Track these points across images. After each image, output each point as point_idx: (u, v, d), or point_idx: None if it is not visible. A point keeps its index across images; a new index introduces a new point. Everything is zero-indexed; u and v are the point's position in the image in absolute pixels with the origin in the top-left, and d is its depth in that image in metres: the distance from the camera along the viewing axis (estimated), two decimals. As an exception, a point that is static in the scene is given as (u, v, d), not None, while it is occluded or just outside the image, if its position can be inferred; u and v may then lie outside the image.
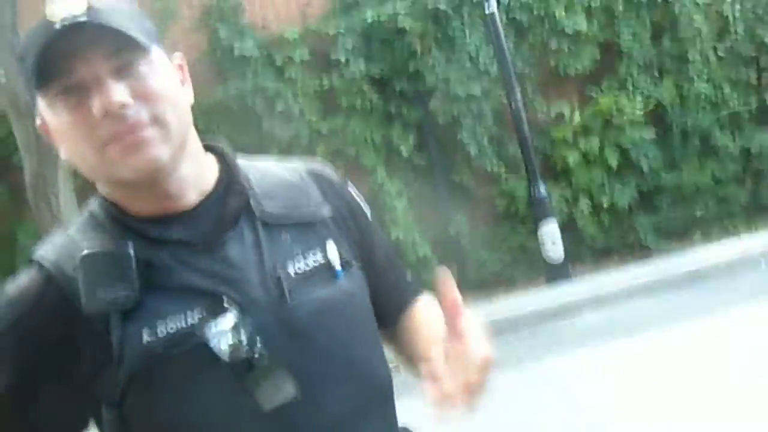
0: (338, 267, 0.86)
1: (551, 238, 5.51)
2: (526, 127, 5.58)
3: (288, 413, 0.78)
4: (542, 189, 5.57)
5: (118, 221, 0.81)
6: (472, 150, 5.97)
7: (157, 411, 0.77)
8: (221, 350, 0.75)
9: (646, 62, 5.93)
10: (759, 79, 6.13)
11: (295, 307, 0.81)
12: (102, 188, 0.83)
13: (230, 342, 0.75)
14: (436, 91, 5.92)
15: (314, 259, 0.85)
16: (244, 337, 0.76)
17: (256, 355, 0.76)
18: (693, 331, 4.08)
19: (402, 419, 0.95)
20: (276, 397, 0.77)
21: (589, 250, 5.94)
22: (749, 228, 5.75)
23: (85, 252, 0.77)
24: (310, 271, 0.84)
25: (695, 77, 5.91)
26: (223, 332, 0.76)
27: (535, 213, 5.63)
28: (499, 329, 4.93)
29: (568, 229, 5.74)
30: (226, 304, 0.77)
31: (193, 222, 0.81)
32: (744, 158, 6.02)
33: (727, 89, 6.02)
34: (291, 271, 0.83)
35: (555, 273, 5.53)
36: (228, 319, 0.76)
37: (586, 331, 4.57)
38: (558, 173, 6.07)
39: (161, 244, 0.79)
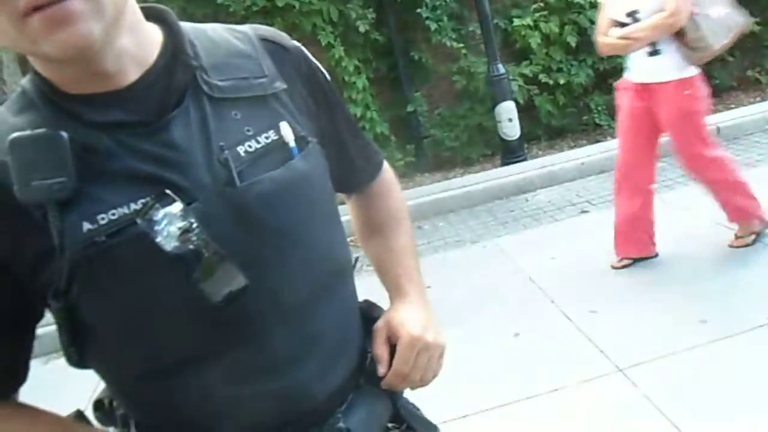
0: (293, 145, 0.80)
1: (508, 116, 5.56)
2: (486, 5, 5.47)
3: (241, 303, 0.74)
4: (501, 68, 5.54)
5: (51, 101, 0.73)
6: (432, 27, 5.85)
7: (101, 303, 0.73)
8: (165, 240, 0.71)
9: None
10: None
11: (245, 190, 0.75)
12: (33, 62, 0.73)
13: (174, 231, 0.71)
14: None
15: (266, 136, 0.79)
16: (190, 225, 0.71)
17: (203, 245, 0.72)
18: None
19: (363, 294, 0.99)
20: (225, 289, 0.73)
21: (545, 129, 6.03)
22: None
23: (15, 135, 0.70)
24: (262, 150, 0.78)
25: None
26: (168, 220, 0.71)
27: (493, 92, 5.63)
28: (455, 207, 5.07)
29: (525, 108, 5.78)
30: (169, 191, 0.72)
31: (134, 101, 0.73)
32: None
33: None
34: (241, 151, 0.77)
35: (511, 152, 5.63)
36: (173, 207, 0.71)
37: (539, 208, 4.73)
38: (517, 52, 6.03)
39: (99, 126, 0.72)
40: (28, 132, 0.71)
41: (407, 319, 0.95)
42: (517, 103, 5.64)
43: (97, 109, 0.72)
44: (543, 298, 3.28)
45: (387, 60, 6.17)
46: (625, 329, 2.84)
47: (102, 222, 0.71)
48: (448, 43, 5.94)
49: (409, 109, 6.15)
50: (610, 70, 5.88)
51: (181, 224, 0.71)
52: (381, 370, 0.92)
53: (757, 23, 5.93)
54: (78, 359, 0.78)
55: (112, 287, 0.72)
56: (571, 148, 5.53)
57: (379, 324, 0.96)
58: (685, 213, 4.02)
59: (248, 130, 0.78)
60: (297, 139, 0.81)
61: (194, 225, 0.72)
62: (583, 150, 5.41)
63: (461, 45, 5.96)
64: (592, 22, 5.66)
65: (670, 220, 3.75)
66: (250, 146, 0.78)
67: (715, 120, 5.52)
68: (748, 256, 3.29)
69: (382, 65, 6.16)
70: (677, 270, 3.30)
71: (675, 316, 2.88)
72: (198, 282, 0.72)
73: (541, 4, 5.80)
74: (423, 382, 0.97)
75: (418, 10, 5.82)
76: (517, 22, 5.80)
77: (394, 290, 1.02)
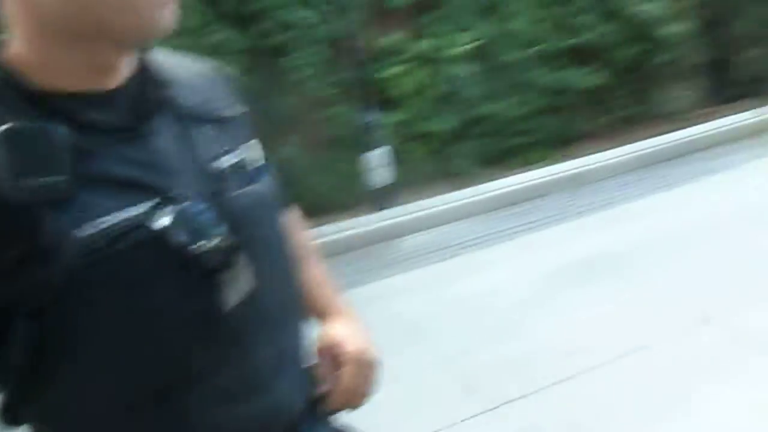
0: (263, 162, 0.86)
1: (379, 163, 5.67)
2: (357, 54, 5.61)
3: (238, 314, 0.74)
4: (372, 115, 5.68)
5: (29, 97, 0.67)
6: (304, 72, 5.91)
7: (93, 318, 0.67)
8: (178, 242, 0.68)
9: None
10: (571, 18, 6.58)
11: (234, 201, 0.77)
12: (21, 47, 0.68)
13: (184, 236, 0.69)
14: (268, 13, 5.74)
15: (240, 153, 0.82)
16: (198, 230, 0.70)
17: (218, 249, 0.71)
18: (507, 252, 4.46)
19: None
20: (236, 295, 0.74)
21: (416, 175, 6.20)
22: (556, 156, 6.29)
23: (7, 126, 0.63)
24: (239, 164, 0.81)
25: (515, 14, 6.24)
26: (176, 224, 0.68)
27: (365, 139, 5.74)
28: (328, 254, 5.05)
29: (396, 155, 5.93)
30: (173, 195, 0.70)
31: (118, 104, 0.72)
32: (554, 91, 6.49)
33: (542, 26, 6.42)
34: (224, 164, 0.79)
35: (382, 198, 5.73)
36: (177, 212, 0.69)
37: (410, 253, 4.82)
38: (388, 100, 6.21)
39: (89, 126, 0.69)
40: (21, 123, 0.64)
41: (348, 334, 0.97)
42: (389, 150, 5.77)
43: (89, 108, 0.69)
44: (418, 341, 3.32)
45: (259, 105, 6.13)
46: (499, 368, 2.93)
47: (103, 226, 0.66)
48: (320, 90, 6.01)
49: (282, 155, 6.12)
50: (475, 118, 6.19)
51: (188, 228, 0.69)
52: (324, 388, 0.93)
53: (603, 78, 6.47)
54: (18, 408, 0.69)
55: (110, 299, 0.67)
56: (440, 193, 5.71)
57: (320, 342, 0.96)
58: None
59: (224, 146, 0.81)
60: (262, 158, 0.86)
61: (202, 229, 0.71)
62: (451, 195, 5.61)
63: (333, 91, 6.05)
64: (457, 73, 5.97)
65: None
66: (229, 161, 0.80)
67: (570, 166, 5.92)
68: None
69: (254, 111, 6.11)
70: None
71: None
72: (219, 285, 0.71)
73: (410, 55, 6.03)
74: (364, 400, 0.98)
75: (290, 55, 5.86)
76: (388, 71, 5.99)
77: (327, 309, 1.03)
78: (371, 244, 5.06)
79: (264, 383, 0.80)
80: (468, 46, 5.89)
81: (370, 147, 5.68)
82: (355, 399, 0.97)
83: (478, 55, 6.04)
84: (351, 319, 1.03)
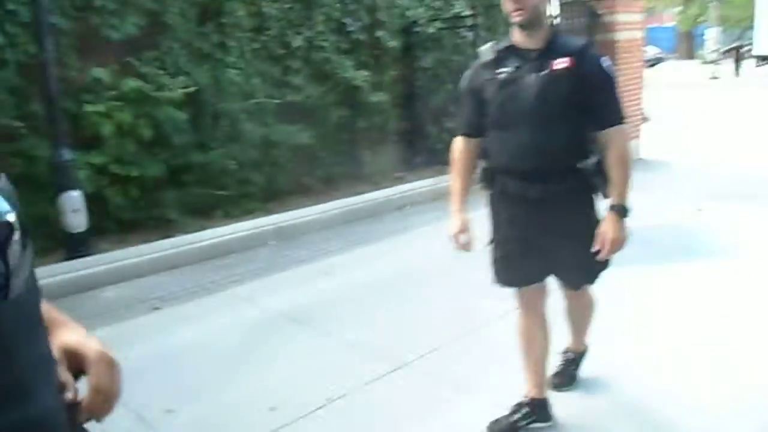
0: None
1: (73, 207, 5.16)
2: (55, 85, 5.09)
3: (11, 309, 0.74)
4: (67, 153, 5.17)
5: None
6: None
7: None
8: None
9: (189, 42, 6.02)
10: (284, 76, 6.82)
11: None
12: None
13: None
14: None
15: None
16: None
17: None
18: (212, 305, 4.33)
19: None
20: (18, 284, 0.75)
21: (116, 222, 5.77)
22: (263, 209, 6.37)
23: None
24: None
25: (231, 65, 6.27)
26: None
27: (58, 179, 5.20)
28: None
29: (93, 199, 5.46)
30: None
31: None
32: (264, 145, 6.61)
33: (256, 81, 6.54)
34: None
35: (76, 245, 5.21)
36: None
37: (108, 305, 4.43)
38: (87, 139, 5.72)
39: None
40: None
41: (83, 338, 0.93)
42: (85, 193, 5.29)
43: None
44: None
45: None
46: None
47: None
48: (6, 122, 5.32)
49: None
50: (183, 165, 6.00)
51: None
52: (70, 395, 0.87)
53: (311, 137, 6.78)
54: None
55: None
56: (142, 242, 5.39)
57: (58, 349, 0.90)
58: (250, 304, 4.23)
59: None
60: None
61: None
62: (154, 245, 5.32)
63: (21, 125, 5.40)
64: (168, 117, 5.74)
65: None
66: None
67: (276, 220, 6.04)
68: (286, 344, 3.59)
69: None
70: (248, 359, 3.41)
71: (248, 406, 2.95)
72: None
73: (115, 93, 5.66)
74: (114, 403, 0.94)
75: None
76: (89, 107, 5.53)
77: (52, 320, 0.96)
78: (66, 295, 4.54)
79: (29, 390, 0.77)
80: (181, 91, 5.73)
81: (64, 188, 5.15)
82: (107, 402, 0.94)
83: (191, 101, 5.91)
84: (76, 327, 0.99)
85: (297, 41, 6.79)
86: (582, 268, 2.55)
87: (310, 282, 4.71)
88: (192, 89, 5.84)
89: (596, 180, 2.40)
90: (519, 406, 2.68)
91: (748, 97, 17.20)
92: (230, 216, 6.15)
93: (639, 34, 8.86)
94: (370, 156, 7.71)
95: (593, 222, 2.43)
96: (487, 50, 2.48)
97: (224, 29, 6.23)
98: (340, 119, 7.25)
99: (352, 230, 6.09)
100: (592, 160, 2.40)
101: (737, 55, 24.98)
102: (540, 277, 2.61)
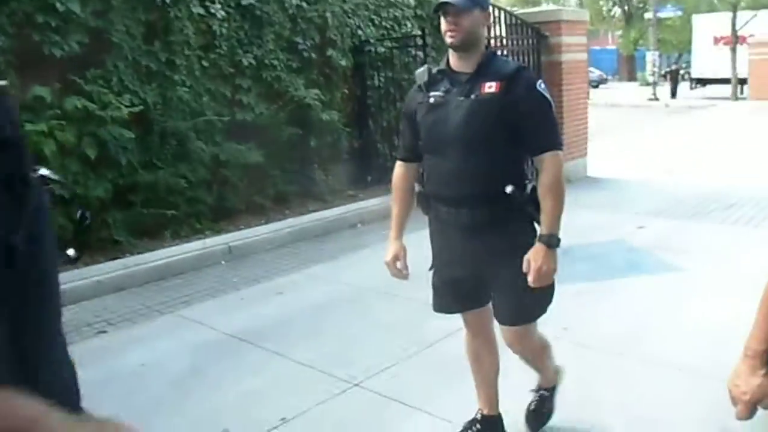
0: None
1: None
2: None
3: None
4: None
5: None
6: None
7: None
8: None
9: (135, 59, 5.92)
10: (233, 94, 6.77)
11: None
12: None
13: None
14: None
15: None
16: None
17: None
18: (161, 327, 4.24)
19: None
20: None
21: (59, 244, 5.60)
22: (214, 229, 6.28)
23: None
24: None
25: (180, 83, 6.19)
26: None
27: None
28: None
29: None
30: None
31: None
32: (214, 164, 6.54)
33: (205, 99, 6.48)
34: None
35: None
36: None
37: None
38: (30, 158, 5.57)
39: None
40: None
41: None
42: (27, 214, 5.14)
43: None
44: None
45: None
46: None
47: None
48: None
49: None
50: (131, 185, 5.88)
51: None
52: None
53: (262, 155, 6.73)
54: None
55: None
56: (87, 265, 5.24)
57: None
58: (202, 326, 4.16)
59: None
60: None
61: None
62: (101, 267, 5.19)
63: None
64: (114, 136, 5.63)
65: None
66: None
67: (227, 239, 5.97)
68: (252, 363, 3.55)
69: None
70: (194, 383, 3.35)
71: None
72: None
73: (58, 111, 5.52)
74: None
75: None
76: (29, 126, 5.38)
77: None
78: None
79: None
80: (127, 110, 5.62)
81: None
82: None
83: (138, 120, 5.81)
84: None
85: (247, 59, 6.77)
86: (516, 299, 2.36)
87: (262, 302, 4.65)
88: (139, 108, 5.74)
89: (528, 207, 2.31)
90: (471, 423, 2.69)
91: (685, 117, 17.85)
92: (179, 236, 6.04)
93: (583, 56, 9.12)
94: (322, 174, 7.70)
95: (529, 246, 2.28)
96: (421, 73, 2.43)
97: (172, 47, 6.16)
98: (291, 138, 7.23)
99: (304, 249, 6.06)
100: (522, 187, 2.31)
101: (674, 77, 25.86)
102: (480, 302, 2.52)
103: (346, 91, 8.08)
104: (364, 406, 3.11)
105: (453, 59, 2.38)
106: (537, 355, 2.66)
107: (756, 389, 1.38)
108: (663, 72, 28.98)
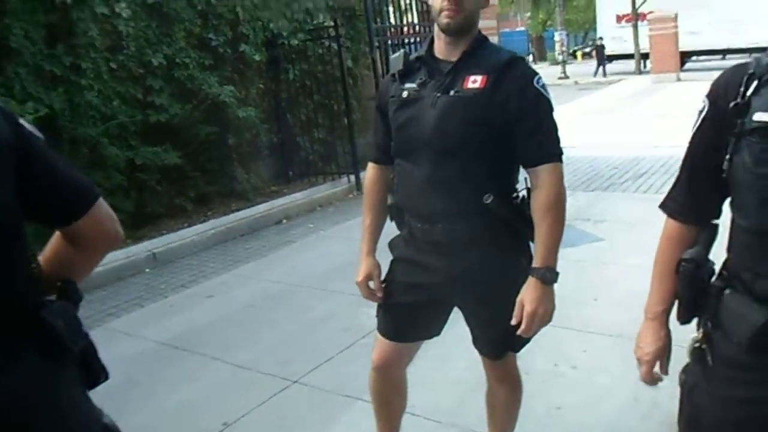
0: None
1: None
2: None
3: None
4: None
5: None
6: None
7: None
8: None
9: (38, 65, 5.64)
10: (145, 95, 6.56)
11: None
12: None
13: None
14: None
15: None
16: None
17: None
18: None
19: None
20: None
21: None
22: (135, 236, 6.09)
23: None
24: None
25: (87, 88, 5.95)
26: None
27: None
28: None
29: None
30: None
31: None
32: (129, 169, 6.33)
33: (116, 102, 6.25)
34: None
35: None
36: None
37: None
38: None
39: None
40: None
41: None
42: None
43: None
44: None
45: None
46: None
47: None
48: None
49: None
50: None
51: None
52: None
53: (180, 157, 6.57)
54: None
55: None
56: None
57: None
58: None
59: None
60: None
61: None
62: (17, 283, 4.96)
63: None
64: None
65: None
66: None
67: (150, 246, 5.80)
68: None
69: None
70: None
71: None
72: None
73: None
74: None
75: None
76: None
77: None
78: None
79: None
80: (31, 117, 5.36)
81: None
82: None
83: (44, 127, 5.53)
84: None
85: (157, 59, 6.56)
86: (499, 329, 1.94)
87: (192, 307, 4.56)
88: (43, 114, 5.48)
89: (516, 223, 1.92)
90: None
91: (595, 93, 18.52)
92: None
93: (494, 39, 9.31)
94: (242, 172, 7.58)
95: (517, 273, 1.90)
96: (396, 59, 2.02)
97: (77, 50, 5.90)
98: (208, 137, 7.07)
99: (230, 249, 5.96)
100: (508, 199, 1.93)
101: (600, 53, 25.00)
102: (430, 334, 2.17)
103: (261, 86, 7.96)
104: (306, 403, 3.11)
105: (439, 44, 1.94)
106: (511, 400, 2.23)
107: (656, 350, 1.45)
108: (589, 49, 29.23)
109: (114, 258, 5.48)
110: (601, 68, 24.47)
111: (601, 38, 25.21)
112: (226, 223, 6.53)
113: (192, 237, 6.10)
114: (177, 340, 3.92)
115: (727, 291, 1.29)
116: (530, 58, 37.37)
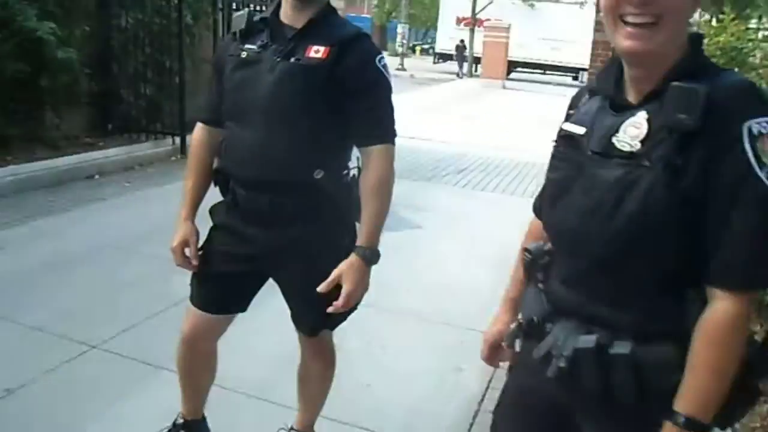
0: None
1: None
2: None
3: None
4: None
5: None
6: None
7: None
8: None
9: None
10: None
11: None
12: None
13: None
14: None
15: None
16: None
17: None
18: None
19: None
20: None
21: None
22: None
23: None
24: None
25: None
26: None
27: None
28: None
29: None
30: None
31: None
32: None
33: None
34: None
35: None
36: None
37: None
38: None
39: None
40: None
41: None
42: None
43: None
44: None
45: None
46: None
47: None
48: None
49: None
50: None
51: None
52: None
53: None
54: None
55: None
56: None
57: None
58: None
59: None
60: None
61: None
62: None
63: None
64: None
65: None
66: None
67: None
68: None
69: None
70: None
71: None
72: None
73: None
74: None
75: None
76: None
77: None
78: None
79: None
80: None
81: None
82: None
83: None
84: None
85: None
86: (317, 307, 1.87)
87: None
88: None
89: (344, 202, 1.91)
90: (174, 428, 2.28)
91: (428, 88, 19.24)
92: None
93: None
94: (54, 118, 6.90)
95: (339, 252, 1.86)
96: (239, 18, 1.95)
97: None
98: (17, 74, 6.35)
99: (29, 201, 5.41)
100: (337, 175, 1.92)
101: (461, 53, 25.56)
102: (244, 307, 2.11)
103: (87, 28, 7.30)
104: (104, 370, 2.92)
105: (285, 8, 1.89)
106: (325, 376, 2.21)
107: (493, 332, 1.54)
108: (427, 47, 30.08)
109: None
110: (462, 68, 25.47)
111: (462, 40, 26.11)
112: (26, 171, 5.92)
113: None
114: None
115: (530, 284, 1.40)
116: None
